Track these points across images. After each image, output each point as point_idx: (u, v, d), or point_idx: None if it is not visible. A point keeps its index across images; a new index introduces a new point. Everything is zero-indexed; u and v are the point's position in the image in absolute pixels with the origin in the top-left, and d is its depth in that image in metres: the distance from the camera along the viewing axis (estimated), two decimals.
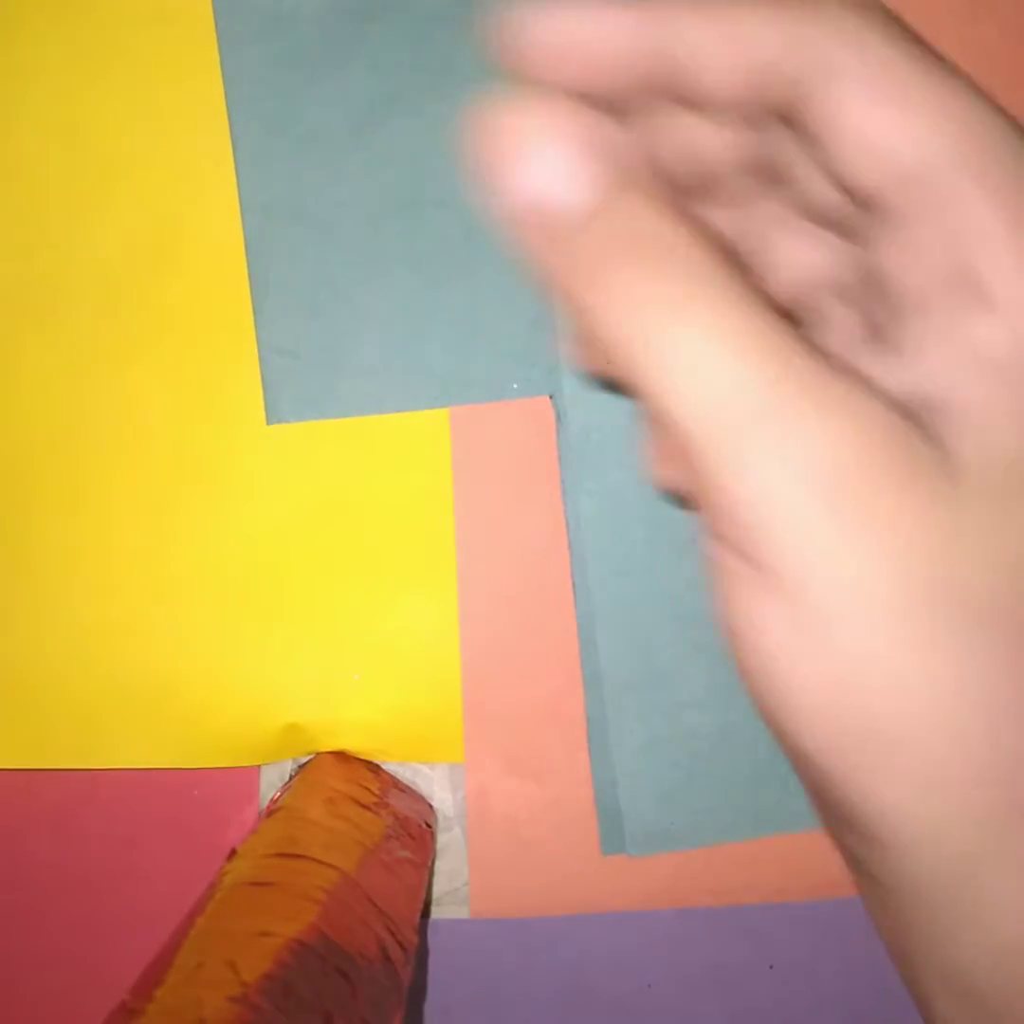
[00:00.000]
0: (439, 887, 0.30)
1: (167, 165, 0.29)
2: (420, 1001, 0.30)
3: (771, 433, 0.13)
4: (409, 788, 0.30)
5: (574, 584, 0.29)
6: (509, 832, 0.30)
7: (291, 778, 0.29)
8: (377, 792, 0.28)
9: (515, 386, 0.29)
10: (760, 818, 0.29)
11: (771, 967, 0.30)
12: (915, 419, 0.13)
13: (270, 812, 0.27)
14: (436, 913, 0.30)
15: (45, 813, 0.30)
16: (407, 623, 0.29)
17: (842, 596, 0.13)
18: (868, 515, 0.13)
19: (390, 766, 0.30)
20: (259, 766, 0.30)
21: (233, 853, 0.26)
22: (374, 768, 0.30)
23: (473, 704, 0.29)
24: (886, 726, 0.13)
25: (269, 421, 0.29)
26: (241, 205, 0.28)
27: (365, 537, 0.29)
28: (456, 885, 0.30)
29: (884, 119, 0.13)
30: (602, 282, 0.13)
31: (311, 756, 0.30)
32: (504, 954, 0.30)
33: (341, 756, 0.29)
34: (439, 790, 0.30)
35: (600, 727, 0.29)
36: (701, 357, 0.13)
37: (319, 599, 0.29)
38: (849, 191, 0.14)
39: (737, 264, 0.13)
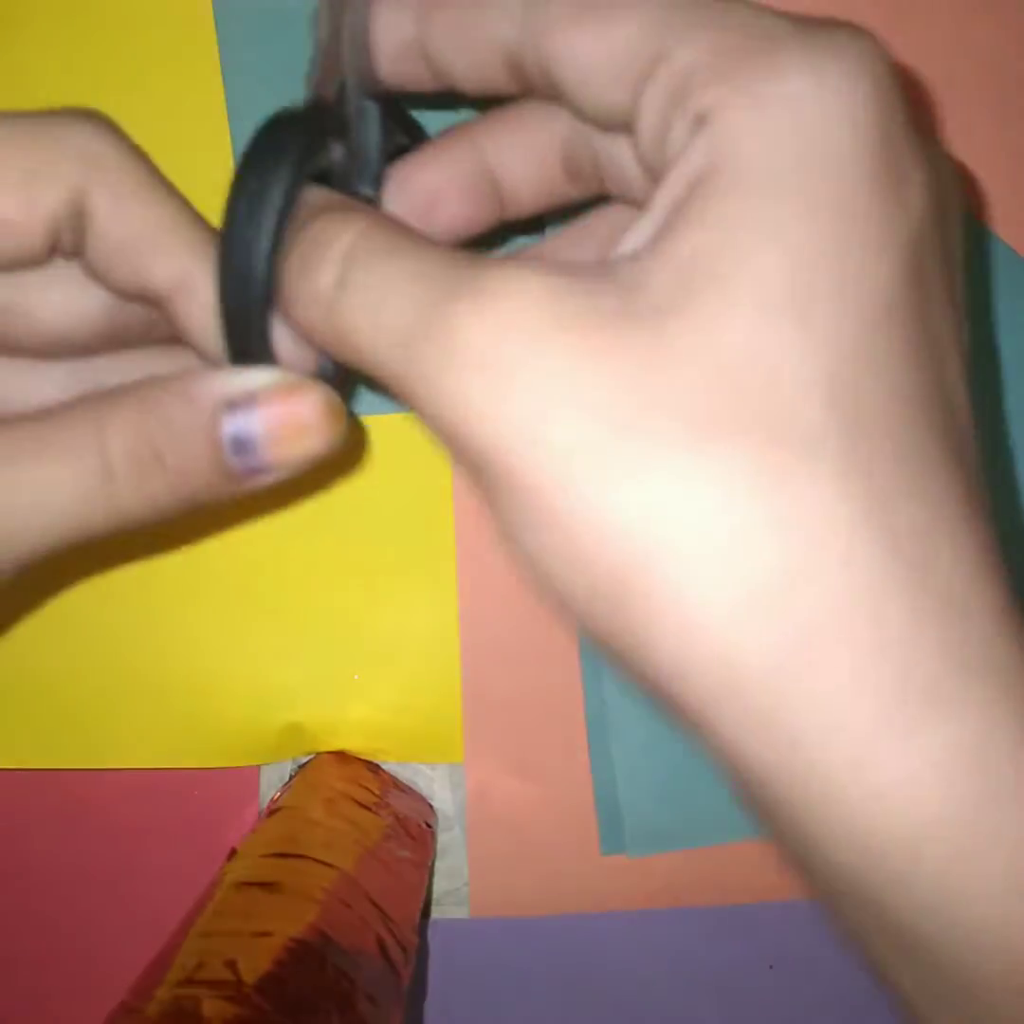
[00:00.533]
0: (439, 887, 0.30)
1: (166, 164, 0.29)
2: (420, 1001, 0.30)
3: (438, 344, 0.14)
4: (409, 788, 0.30)
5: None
6: (509, 832, 0.30)
7: (291, 778, 0.29)
8: (377, 792, 0.29)
9: None
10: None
11: (771, 967, 0.30)
12: (595, 278, 0.14)
13: (270, 812, 0.27)
14: (436, 913, 0.30)
15: (45, 813, 0.30)
16: (407, 623, 0.29)
17: (564, 466, 0.13)
18: (559, 377, 0.13)
19: (390, 766, 0.30)
20: (259, 766, 0.30)
21: (233, 853, 0.26)
22: (374, 768, 0.30)
23: (473, 704, 0.29)
24: (649, 571, 0.13)
25: None
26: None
27: (364, 538, 0.29)
28: (456, 885, 0.30)
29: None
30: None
31: (311, 756, 0.30)
32: (504, 954, 0.30)
33: (341, 756, 0.29)
34: (439, 790, 0.30)
35: (600, 727, 0.29)
36: (375, 305, 0.15)
37: (319, 599, 0.29)
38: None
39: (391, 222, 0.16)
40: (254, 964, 0.21)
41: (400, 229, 0.16)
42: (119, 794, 0.30)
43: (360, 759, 0.30)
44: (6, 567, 0.18)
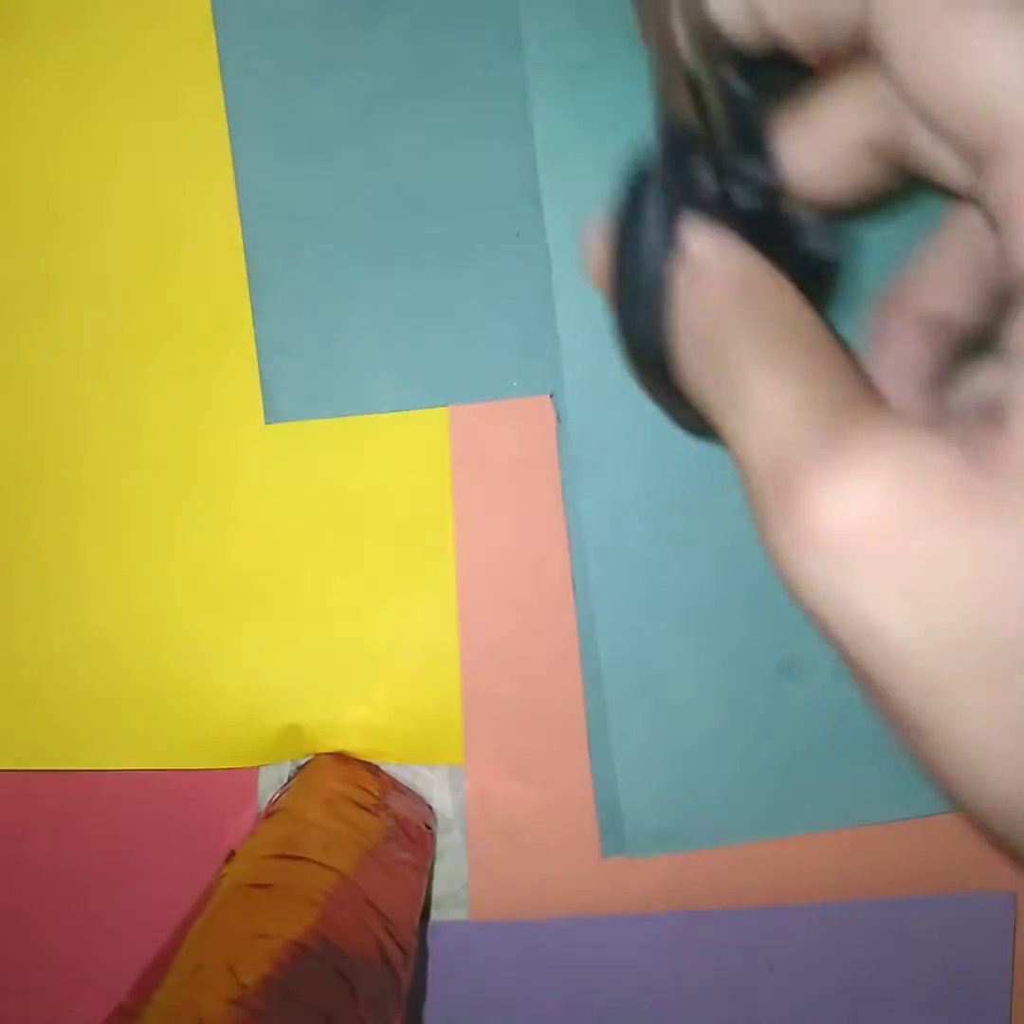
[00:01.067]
0: (438, 889, 0.30)
1: (166, 164, 0.29)
2: (419, 1003, 0.30)
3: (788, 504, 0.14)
4: (408, 790, 0.30)
5: (574, 584, 0.29)
6: (509, 834, 0.30)
7: (290, 779, 0.29)
8: (376, 794, 0.28)
9: (515, 384, 0.29)
10: (760, 821, 0.29)
11: (772, 969, 0.30)
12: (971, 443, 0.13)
13: (269, 813, 0.27)
14: (436, 915, 0.30)
15: (44, 814, 0.30)
16: (406, 624, 0.29)
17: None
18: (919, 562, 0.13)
19: (389, 767, 0.30)
20: (257, 768, 0.30)
21: (232, 855, 0.26)
22: (373, 769, 0.30)
23: (472, 705, 0.29)
24: None
25: (267, 420, 0.29)
26: (240, 203, 0.28)
27: (364, 538, 0.29)
28: (455, 887, 0.30)
29: None
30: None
31: (310, 757, 0.29)
32: (503, 957, 0.30)
33: (340, 757, 0.29)
34: (438, 792, 0.30)
35: (600, 727, 0.29)
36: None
37: (318, 600, 0.29)
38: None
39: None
40: (253, 966, 0.21)
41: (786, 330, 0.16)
42: (118, 795, 0.30)
43: (359, 760, 0.30)
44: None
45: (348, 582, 0.29)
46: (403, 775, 0.30)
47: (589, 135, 0.27)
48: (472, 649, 0.29)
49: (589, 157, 0.27)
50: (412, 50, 0.28)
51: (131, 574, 0.29)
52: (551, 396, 0.29)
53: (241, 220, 0.28)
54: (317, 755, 0.29)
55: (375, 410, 0.29)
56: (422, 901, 0.28)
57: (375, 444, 0.29)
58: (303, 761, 0.30)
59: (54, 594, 0.29)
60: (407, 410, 0.29)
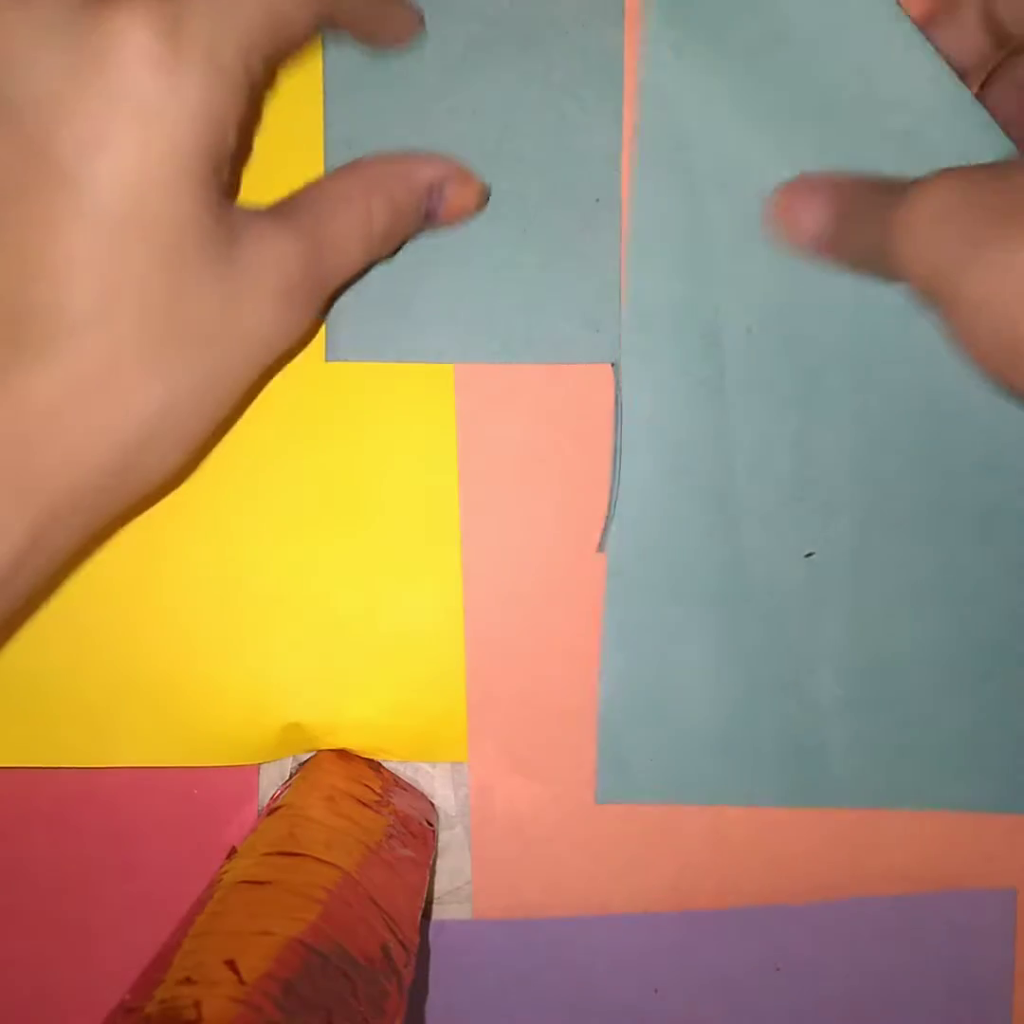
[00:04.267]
0: (441, 886, 0.30)
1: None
2: (422, 1001, 0.30)
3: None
4: (411, 786, 0.30)
5: (608, 564, 0.29)
6: (512, 831, 0.30)
7: (291, 776, 0.29)
8: (379, 790, 0.28)
9: (577, 350, 0.28)
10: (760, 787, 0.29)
11: (777, 969, 0.30)
12: None
13: (270, 810, 0.27)
14: (438, 912, 0.30)
15: (44, 812, 0.30)
16: (410, 619, 0.29)
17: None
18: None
19: (392, 764, 0.30)
20: (259, 764, 0.30)
21: (233, 851, 0.26)
22: (375, 766, 0.29)
23: (477, 701, 0.29)
24: None
25: (328, 357, 0.28)
26: (326, 139, 0.28)
27: (369, 533, 0.29)
28: (458, 884, 0.30)
29: None
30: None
31: (312, 754, 0.29)
32: (507, 956, 0.30)
33: (342, 754, 0.29)
34: (441, 788, 0.30)
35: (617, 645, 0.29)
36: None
37: (320, 596, 0.29)
38: None
39: None
40: (254, 964, 0.21)
41: None
42: (119, 792, 0.29)
43: (361, 757, 0.29)
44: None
45: (352, 578, 0.29)
46: (405, 772, 0.30)
47: (691, 109, 0.27)
48: (477, 645, 0.29)
49: (686, 130, 0.27)
50: (512, 3, 0.28)
51: (131, 571, 0.29)
52: (613, 365, 0.28)
53: (325, 155, 0.28)
54: (319, 752, 0.29)
55: (434, 359, 0.28)
56: (424, 898, 0.27)
57: (377, 441, 0.29)
58: (305, 758, 0.29)
59: (54, 593, 0.29)
60: (467, 361, 0.29)
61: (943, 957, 0.30)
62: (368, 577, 0.29)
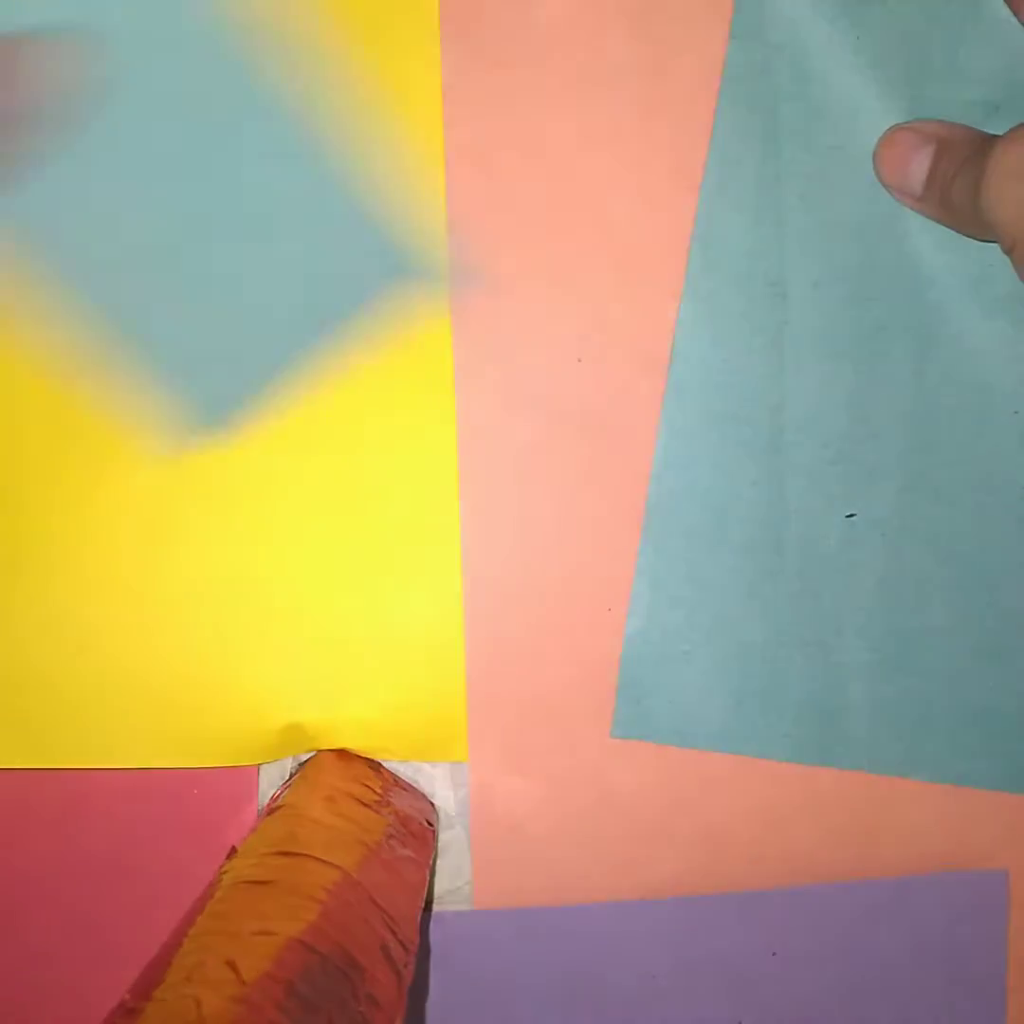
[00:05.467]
0: (441, 885, 0.30)
1: None
2: (422, 999, 0.30)
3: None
4: (411, 786, 0.30)
5: (648, 501, 0.29)
6: (512, 830, 0.30)
7: (291, 776, 0.29)
8: (379, 790, 0.28)
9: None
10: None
11: (773, 954, 0.30)
12: None
13: (270, 810, 0.27)
14: (438, 911, 0.30)
15: (45, 812, 0.30)
16: (410, 619, 0.29)
17: None
18: None
19: (391, 764, 0.30)
20: (259, 765, 0.30)
21: (233, 851, 0.26)
22: (375, 766, 0.29)
23: (477, 702, 0.29)
24: None
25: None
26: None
27: (368, 534, 0.29)
28: (458, 883, 0.30)
29: None
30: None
31: (312, 754, 0.29)
32: (506, 945, 0.30)
33: (342, 754, 0.29)
34: (441, 788, 0.30)
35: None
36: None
37: (320, 596, 0.29)
38: None
39: None
40: (254, 964, 0.21)
41: None
42: (120, 793, 0.29)
43: (361, 757, 0.29)
44: None
45: (352, 579, 0.29)
46: (405, 772, 0.30)
47: (780, 56, 0.27)
48: (477, 645, 0.29)
49: (773, 77, 0.27)
50: None
51: (131, 571, 0.29)
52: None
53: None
54: (319, 752, 0.29)
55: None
56: (424, 898, 0.27)
57: (378, 437, 0.29)
58: (305, 758, 0.29)
59: (54, 592, 0.29)
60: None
61: (936, 938, 0.31)
62: (368, 577, 0.29)
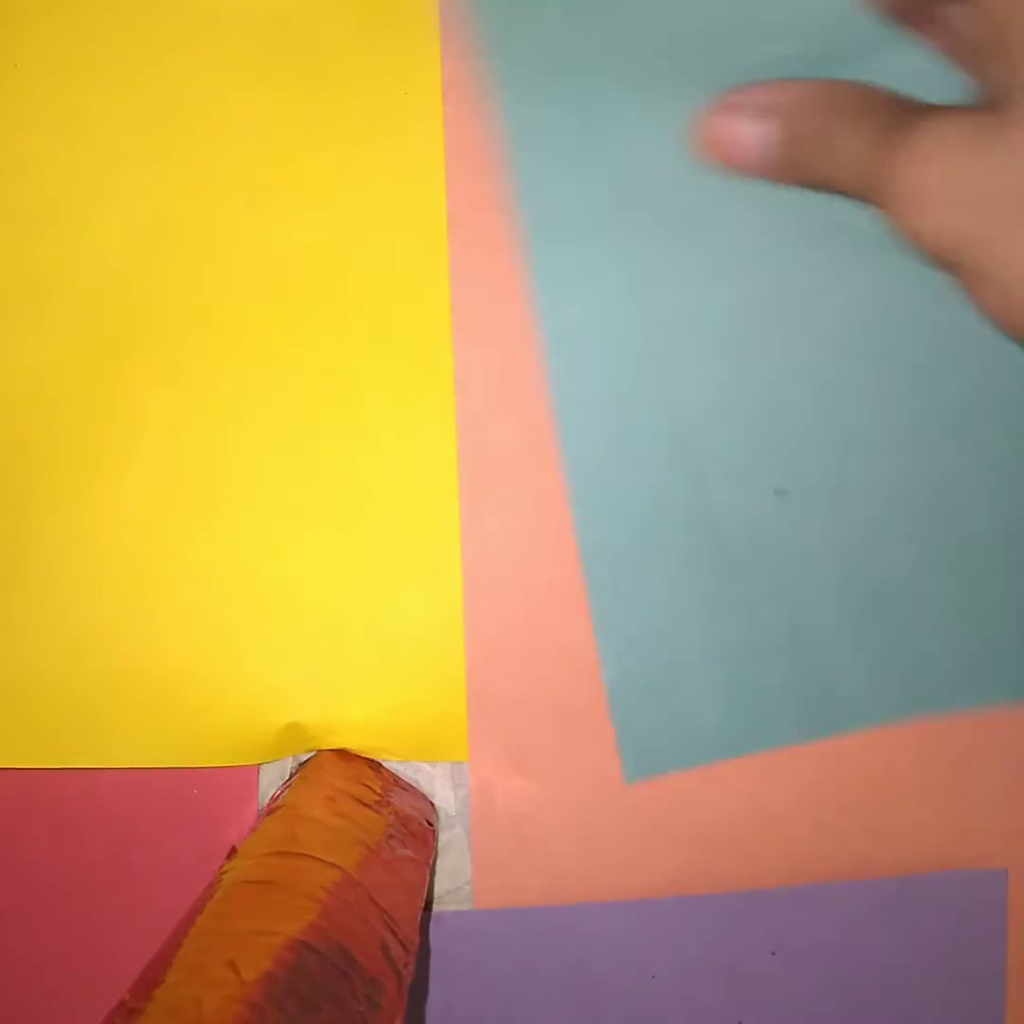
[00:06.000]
0: (441, 886, 0.30)
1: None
2: (421, 999, 0.30)
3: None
4: (411, 786, 0.30)
5: (580, 550, 0.29)
6: (512, 830, 0.30)
7: (291, 776, 0.29)
8: (379, 790, 0.28)
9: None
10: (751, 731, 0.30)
11: (773, 953, 0.30)
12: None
13: (270, 810, 0.27)
14: (438, 911, 0.30)
15: (44, 812, 0.30)
16: (410, 619, 0.29)
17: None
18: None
19: (391, 764, 0.30)
20: (259, 765, 0.30)
21: (233, 851, 0.26)
22: (375, 766, 0.29)
23: (477, 701, 0.29)
24: None
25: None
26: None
27: (367, 532, 0.29)
28: (458, 883, 0.30)
29: None
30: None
31: (312, 754, 0.29)
32: (506, 945, 0.30)
33: (342, 754, 0.29)
34: (441, 788, 0.30)
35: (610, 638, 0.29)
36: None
37: (320, 596, 0.29)
38: None
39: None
40: (254, 963, 0.21)
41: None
42: (119, 793, 0.29)
43: (361, 757, 0.29)
44: None
45: (350, 578, 0.29)
46: (405, 772, 0.30)
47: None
48: (477, 643, 0.29)
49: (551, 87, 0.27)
50: None
51: (131, 571, 0.29)
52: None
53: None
54: (319, 752, 0.29)
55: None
56: (424, 897, 0.27)
57: (379, 435, 0.29)
58: (305, 758, 0.29)
59: (54, 591, 0.29)
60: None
61: (936, 937, 0.31)
62: (368, 577, 0.29)
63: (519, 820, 0.30)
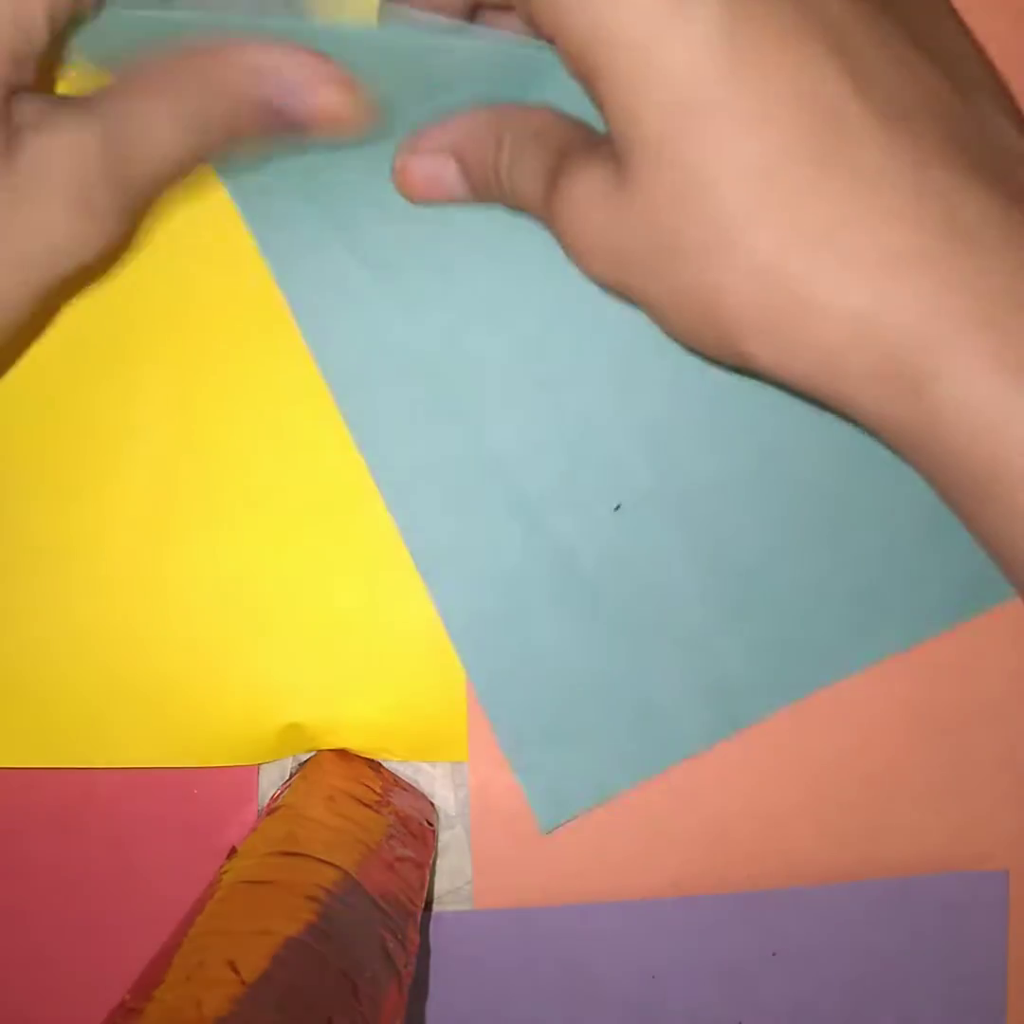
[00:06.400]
0: (441, 886, 0.30)
1: None
2: (422, 999, 0.30)
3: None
4: (411, 786, 0.30)
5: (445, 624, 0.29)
6: (512, 830, 0.30)
7: (292, 776, 0.29)
8: (379, 790, 0.28)
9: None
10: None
11: (773, 954, 0.30)
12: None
13: (271, 810, 0.27)
14: (438, 911, 0.30)
15: (44, 813, 0.30)
16: (410, 619, 0.29)
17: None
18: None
19: (391, 764, 0.30)
20: (259, 765, 0.30)
21: (233, 851, 0.26)
22: (375, 766, 0.29)
23: (478, 702, 0.29)
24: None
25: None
26: None
27: (367, 533, 0.29)
28: (458, 884, 0.30)
29: None
30: None
31: (312, 754, 0.29)
32: (506, 945, 0.30)
33: (342, 754, 0.29)
34: (441, 788, 0.30)
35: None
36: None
37: (320, 596, 0.29)
38: None
39: None
40: (254, 963, 0.21)
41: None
42: (119, 793, 0.29)
43: (361, 757, 0.29)
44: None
45: (350, 578, 0.29)
46: (405, 772, 0.30)
47: None
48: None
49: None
50: None
51: (131, 571, 0.29)
52: None
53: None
54: (319, 752, 0.29)
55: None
56: (424, 898, 0.27)
57: None
58: (305, 758, 0.29)
59: (54, 591, 0.29)
60: None
61: (937, 938, 0.31)
62: (368, 577, 0.29)
63: (519, 821, 0.29)
